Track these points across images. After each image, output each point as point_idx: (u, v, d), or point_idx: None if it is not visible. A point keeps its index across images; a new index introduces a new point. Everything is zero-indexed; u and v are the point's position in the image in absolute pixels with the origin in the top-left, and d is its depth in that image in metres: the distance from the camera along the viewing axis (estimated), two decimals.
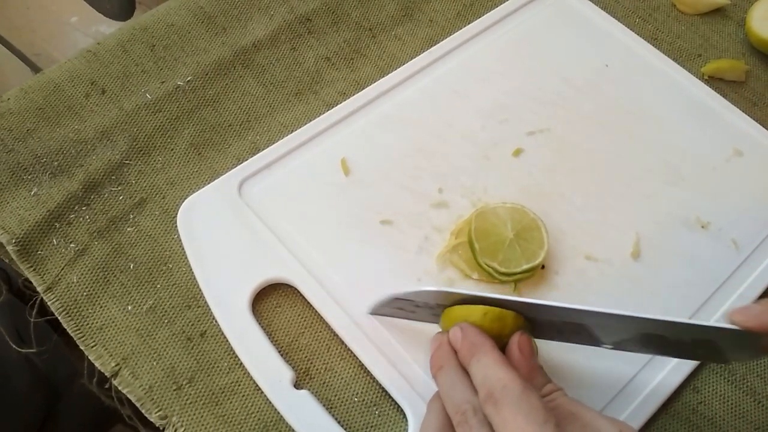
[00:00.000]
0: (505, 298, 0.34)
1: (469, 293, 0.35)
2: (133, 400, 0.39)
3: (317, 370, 0.40)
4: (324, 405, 0.39)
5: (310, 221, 0.44)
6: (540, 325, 0.36)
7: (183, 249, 0.43)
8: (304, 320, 0.42)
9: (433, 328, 0.38)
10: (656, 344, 0.35)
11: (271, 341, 0.40)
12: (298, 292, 0.42)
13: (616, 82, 0.53)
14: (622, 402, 0.40)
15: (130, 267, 0.42)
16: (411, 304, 0.37)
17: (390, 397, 0.39)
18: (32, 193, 0.44)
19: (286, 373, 0.38)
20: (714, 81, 0.55)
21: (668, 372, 0.41)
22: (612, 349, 0.37)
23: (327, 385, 0.40)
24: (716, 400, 0.42)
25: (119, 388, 0.39)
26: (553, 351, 0.41)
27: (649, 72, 0.54)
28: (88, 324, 0.40)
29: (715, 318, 0.43)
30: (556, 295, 0.43)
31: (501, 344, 0.34)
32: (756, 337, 0.31)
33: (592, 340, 0.36)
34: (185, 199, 0.44)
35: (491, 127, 0.50)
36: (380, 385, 0.39)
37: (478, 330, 0.34)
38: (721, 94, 0.53)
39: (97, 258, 0.42)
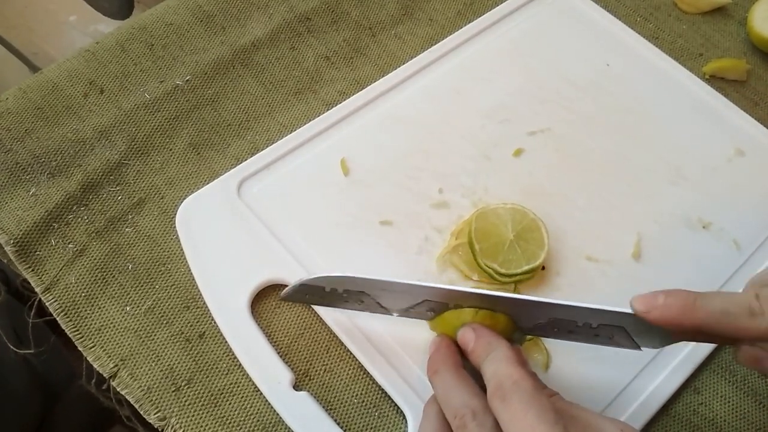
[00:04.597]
0: (417, 284, 0.34)
1: (365, 277, 0.34)
2: (132, 402, 0.38)
3: (316, 371, 0.40)
4: (323, 406, 0.38)
5: (309, 222, 0.44)
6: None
7: (181, 249, 0.42)
8: (304, 321, 0.41)
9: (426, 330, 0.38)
10: (566, 329, 0.35)
11: (271, 342, 0.40)
12: None
13: (618, 81, 0.53)
14: (622, 404, 0.40)
15: (128, 268, 0.42)
16: (320, 291, 0.36)
17: (389, 398, 0.39)
18: (30, 193, 0.44)
19: (285, 375, 0.38)
20: (715, 80, 0.55)
21: (669, 373, 0.41)
22: (528, 333, 0.36)
23: (326, 387, 0.40)
24: (717, 401, 0.41)
25: (118, 389, 0.39)
26: (554, 353, 0.41)
27: (650, 71, 0.54)
28: (86, 325, 0.40)
29: None
30: (557, 296, 0.43)
31: None
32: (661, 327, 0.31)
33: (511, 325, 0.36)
34: (184, 199, 0.44)
35: (492, 127, 0.49)
36: (379, 386, 0.39)
37: (491, 330, 0.34)
38: (722, 94, 0.53)
39: (95, 259, 0.42)
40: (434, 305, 0.36)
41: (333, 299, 0.37)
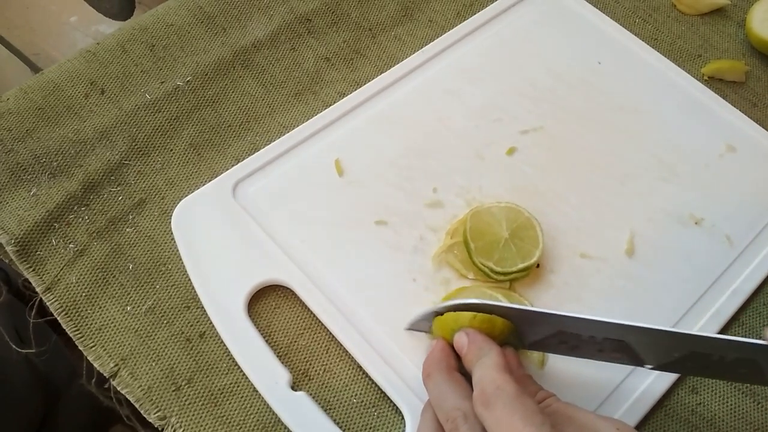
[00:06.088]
0: (537, 310, 0.34)
1: (511, 306, 0.34)
2: (132, 401, 0.39)
3: (316, 371, 0.40)
4: (322, 406, 0.39)
5: (304, 222, 0.44)
6: (579, 342, 0.35)
7: None
8: (303, 322, 0.42)
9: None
10: (699, 363, 0.34)
11: (270, 343, 0.40)
12: (296, 293, 0.42)
13: (609, 79, 0.53)
14: (616, 401, 0.40)
15: (129, 268, 0.43)
16: None
17: (388, 398, 0.39)
18: (31, 193, 0.44)
19: (283, 375, 0.38)
20: (714, 81, 0.55)
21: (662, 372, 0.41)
22: (652, 369, 0.36)
23: (325, 387, 0.40)
24: (715, 401, 0.42)
25: (118, 388, 0.39)
26: (550, 355, 0.41)
27: (641, 69, 0.54)
28: (87, 324, 0.40)
29: (710, 314, 0.43)
30: (552, 293, 0.43)
31: None
32: None
33: (634, 360, 0.35)
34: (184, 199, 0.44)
35: (485, 126, 0.50)
36: (378, 386, 0.40)
37: (484, 336, 0.34)
38: (720, 95, 0.53)
39: (96, 258, 0.43)
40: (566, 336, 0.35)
41: None
